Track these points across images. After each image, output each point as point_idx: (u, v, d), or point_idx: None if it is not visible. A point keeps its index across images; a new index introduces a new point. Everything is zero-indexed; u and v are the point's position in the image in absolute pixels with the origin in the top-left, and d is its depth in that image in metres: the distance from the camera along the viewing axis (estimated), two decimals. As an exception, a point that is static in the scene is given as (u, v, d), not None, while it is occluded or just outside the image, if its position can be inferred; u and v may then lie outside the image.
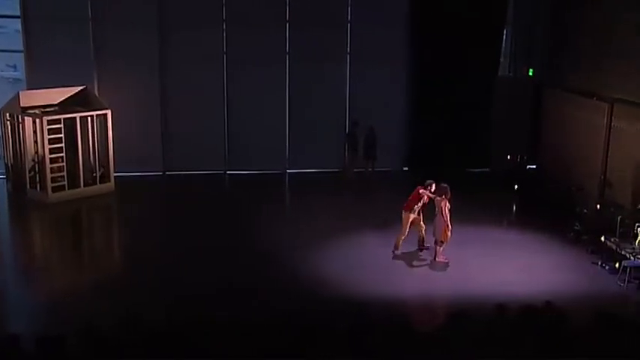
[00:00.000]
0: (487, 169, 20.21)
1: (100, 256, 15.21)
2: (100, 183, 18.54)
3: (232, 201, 18.50)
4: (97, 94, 19.28)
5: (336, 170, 20.92)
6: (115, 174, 18.76)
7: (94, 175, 18.50)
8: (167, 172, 20.65)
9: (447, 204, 13.92)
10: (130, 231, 16.30)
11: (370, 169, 20.56)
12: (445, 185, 14.05)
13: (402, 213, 14.44)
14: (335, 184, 20.02)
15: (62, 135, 17.70)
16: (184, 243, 15.13)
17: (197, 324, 8.21)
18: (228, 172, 20.95)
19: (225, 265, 13.90)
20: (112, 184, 18.71)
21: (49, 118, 17.58)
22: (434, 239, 14.19)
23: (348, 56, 20.95)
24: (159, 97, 20.36)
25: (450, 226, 13.96)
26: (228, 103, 20.75)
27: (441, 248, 14.18)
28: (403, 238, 14.44)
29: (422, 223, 14.54)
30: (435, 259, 14.20)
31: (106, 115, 18.49)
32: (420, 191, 14.33)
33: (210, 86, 20.49)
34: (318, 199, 18.25)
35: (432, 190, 14.23)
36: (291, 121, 21.07)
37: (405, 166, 21.57)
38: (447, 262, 14.17)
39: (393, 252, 14.46)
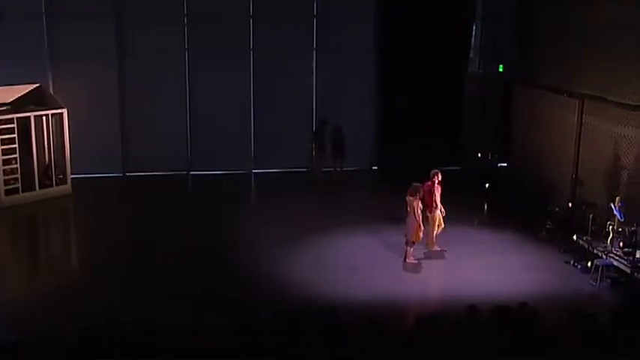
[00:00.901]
0: (458, 168, 20.42)
1: (55, 261, 15.03)
2: (57, 185, 18.33)
3: (196, 203, 18.43)
4: (51, 93, 19.05)
5: (304, 170, 20.96)
6: (72, 176, 18.56)
7: (50, 176, 18.27)
8: (127, 173, 20.51)
9: (420, 204, 14.04)
10: (88, 235, 16.14)
11: (339, 169, 20.64)
12: (417, 184, 14.18)
13: (428, 215, 14.60)
14: (302, 184, 20.05)
15: (15, 135, 17.46)
16: (144, 247, 15.04)
17: (159, 329, 8.19)
18: (191, 172, 20.87)
19: (189, 268, 13.85)
20: (68, 186, 18.51)
21: (1, 117, 17.32)
22: (404, 239, 14.30)
23: (315, 52, 21.01)
24: (117, 95, 20.20)
25: (422, 227, 14.09)
26: (190, 100, 20.67)
27: (412, 249, 14.30)
28: (436, 232, 14.71)
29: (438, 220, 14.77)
30: (405, 260, 14.31)
31: (61, 114, 18.29)
32: (428, 184, 14.49)
33: (171, 84, 20.39)
34: (285, 200, 18.27)
35: (439, 179, 14.52)
36: (257, 120, 21.05)
37: (374, 166, 21.69)
38: (418, 264, 14.30)
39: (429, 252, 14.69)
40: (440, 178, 14.65)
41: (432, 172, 14.72)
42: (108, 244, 15.30)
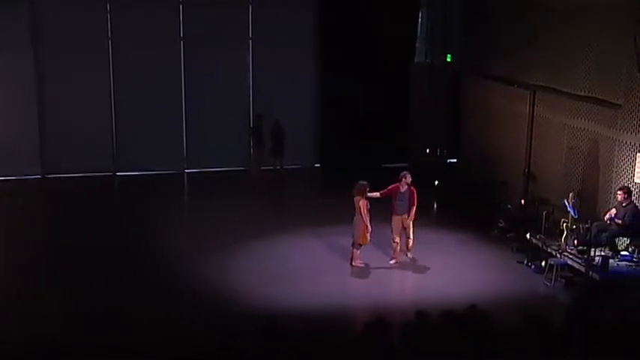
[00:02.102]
0: (405, 164, 20.59)
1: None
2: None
3: (122, 206, 18.19)
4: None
5: (241, 169, 20.87)
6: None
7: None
8: (47, 175, 20.11)
9: (367, 204, 14.11)
10: (2, 242, 15.76)
11: (279, 167, 20.63)
12: (363, 183, 14.23)
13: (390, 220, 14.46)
14: (240, 184, 19.97)
15: None
16: (62, 256, 14.73)
17: (87, 344, 8.06)
18: (117, 173, 20.59)
19: (111, 278, 13.62)
20: (-19, 190, 18.07)
21: None
22: (351, 241, 14.36)
23: (251, 42, 20.94)
24: (35, 91, 19.78)
25: (369, 228, 14.17)
26: (115, 95, 20.41)
27: (359, 252, 14.38)
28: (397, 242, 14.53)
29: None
30: (351, 263, 14.38)
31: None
32: (395, 185, 14.38)
33: (93, 77, 20.07)
34: (220, 202, 18.16)
35: (408, 180, 14.34)
36: (189, 115, 20.89)
37: (316, 163, 21.75)
38: (365, 267, 14.38)
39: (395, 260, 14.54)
40: (409, 180, 14.37)
41: (402, 173, 14.48)
42: (22, 252, 14.96)
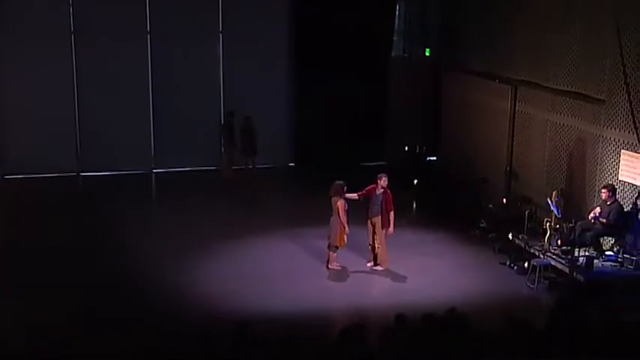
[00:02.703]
0: (383, 163, 20.70)
1: None
2: None
3: (86, 207, 18.05)
4: None
5: (212, 168, 20.83)
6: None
7: None
8: (7, 176, 19.94)
9: (344, 204, 14.12)
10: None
11: (251, 166, 20.60)
12: (340, 182, 14.24)
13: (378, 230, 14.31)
14: (210, 184, 19.93)
15: None
16: (27, 258, 14.61)
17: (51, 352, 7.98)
18: (82, 173, 20.45)
19: (82, 284, 13.54)
20: None
21: None
22: (327, 243, 14.38)
23: (221, 35, 20.90)
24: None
25: (346, 229, 14.18)
26: (79, 91, 20.25)
27: (335, 254, 14.40)
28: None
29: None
30: (327, 266, 14.41)
31: None
32: (372, 186, 14.31)
33: (54, 73, 19.92)
34: (190, 203, 18.10)
35: (383, 184, 14.14)
36: (156, 112, 20.81)
37: (290, 162, 21.76)
38: (343, 270, 14.41)
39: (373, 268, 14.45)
40: (384, 183, 14.18)
41: (379, 175, 14.33)
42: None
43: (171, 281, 13.73)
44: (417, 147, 20.77)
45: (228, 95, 21.09)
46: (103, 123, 20.29)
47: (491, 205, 16.72)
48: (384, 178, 14.21)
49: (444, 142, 20.66)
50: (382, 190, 14.20)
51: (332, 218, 14.24)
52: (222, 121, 20.93)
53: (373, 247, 14.47)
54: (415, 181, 19.44)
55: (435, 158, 21.01)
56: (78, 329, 11.64)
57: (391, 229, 14.25)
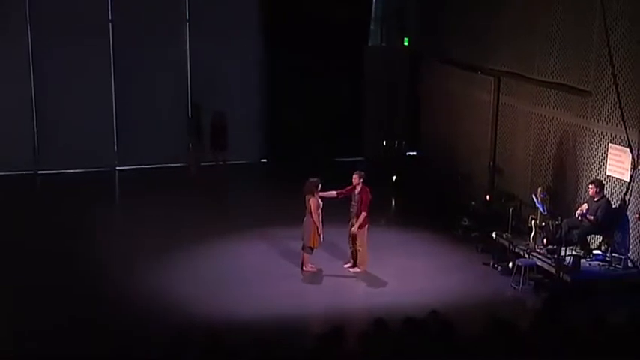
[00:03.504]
0: (360, 158, 20.78)
1: None
2: None
3: (44, 207, 17.95)
4: None
5: (179, 165, 20.79)
6: None
7: None
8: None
9: (318, 202, 14.16)
10: None
11: (221, 163, 20.59)
12: (314, 180, 14.27)
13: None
14: (177, 182, 19.89)
15: None
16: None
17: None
18: (39, 172, 20.33)
19: (43, 287, 13.50)
20: None
21: None
22: (301, 244, 14.43)
23: (188, 24, 20.87)
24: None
25: (320, 229, 14.22)
26: (36, 86, 20.13)
27: (309, 255, 14.44)
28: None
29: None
30: (302, 268, 14.46)
31: None
32: (347, 188, 14.31)
33: (9, 65, 19.76)
34: (156, 202, 18.04)
35: (356, 181, 14.13)
36: (119, 107, 20.73)
37: (263, 158, 21.78)
38: (318, 272, 14.47)
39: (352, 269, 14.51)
40: (357, 180, 14.14)
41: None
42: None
43: (138, 285, 13.71)
44: (396, 141, 20.85)
45: (196, 87, 21.05)
46: (62, 118, 20.17)
47: (473, 203, 16.86)
48: (356, 176, 14.22)
49: (424, 137, 20.77)
50: (361, 188, 14.22)
51: (305, 218, 14.26)
52: (190, 115, 20.89)
53: (354, 249, 14.54)
54: (394, 178, 19.54)
55: (414, 153, 21.10)
56: (40, 334, 11.62)
57: (354, 229, 14.21)
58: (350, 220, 14.38)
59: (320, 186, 14.22)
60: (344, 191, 14.38)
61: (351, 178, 14.31)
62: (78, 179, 20.00)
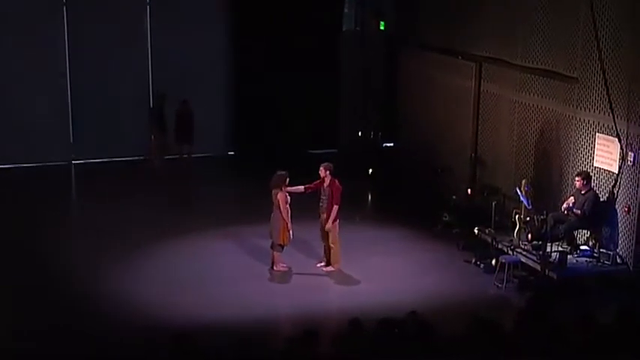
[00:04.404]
0: (334, 150, 20.81)
1: None
2: None
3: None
4: None
5: (140, 158, 20.71)
6: None
7: None
8: None
9: (286, 197, 14.16)
10: None
11: (185, 156, 20.55)
12: (282, 173, 14.26)
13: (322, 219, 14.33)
14: (139, 176, 19.83)
15: None
16: None
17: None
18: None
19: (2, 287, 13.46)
20: None
21: None
22: (270, 242, 14.43)
23: (149, 7, 20.79)
24: None
25: (289, 225, 14.24)
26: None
27: (279, 253, 14.46)
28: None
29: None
30: (272, 267, 14.47)
31: None
32: (316, 182, 14.28)
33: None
34: (115, 198, 17.96)
35: (322, 173, 14.11)
36: (75, 95, 20.61)
37: (230, 151, 21.76)
38: (289, 271, 14.50)
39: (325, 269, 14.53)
40: (324, 173, 14.15)
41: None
42: None
43: (99, 286, 13.67)
44: (372, 132, 20.92)
45: (158, 75, 20.96)
46: (12, 107, 20.00)
47: (454, 197, 16.93)
48: (321, 168, 14.19)
49: (401, 127, 20.83)
50: (329, 181, 14.23)
51: (273, 214, 14.24)
52: (152, 105, 20.81)
53: (326, 246, 14.56)
54: (370, 171, 19.60)
55: (391, 144, 21.18)
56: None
57: (329, 224, 14.22)
58: (319, 215, 14.39)
59: (288, 180, 14.20)
60: (312, 185, 14.38)
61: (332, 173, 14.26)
62: (30, 173, 19.86)
